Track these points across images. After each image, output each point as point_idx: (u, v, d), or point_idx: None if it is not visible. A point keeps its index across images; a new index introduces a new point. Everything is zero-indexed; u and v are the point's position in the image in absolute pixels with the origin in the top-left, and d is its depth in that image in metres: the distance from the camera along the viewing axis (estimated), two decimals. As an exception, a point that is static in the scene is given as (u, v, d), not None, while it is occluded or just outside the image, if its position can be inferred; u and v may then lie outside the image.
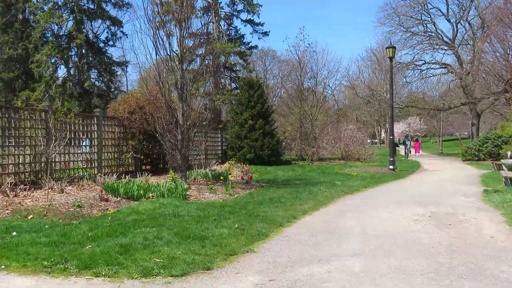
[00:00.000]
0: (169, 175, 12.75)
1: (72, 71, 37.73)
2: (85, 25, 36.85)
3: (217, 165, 22.34)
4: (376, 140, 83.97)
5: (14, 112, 13.46)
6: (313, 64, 34.33)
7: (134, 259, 5.55)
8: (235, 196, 11.95)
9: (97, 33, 38.86)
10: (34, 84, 36.12)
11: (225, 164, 22.36)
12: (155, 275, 5.09)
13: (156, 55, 13.13)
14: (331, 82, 65.36)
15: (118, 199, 10.78)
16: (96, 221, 7.96)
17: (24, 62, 37.28)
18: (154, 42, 13.00)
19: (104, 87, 38.47)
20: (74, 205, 9.41)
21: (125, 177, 14.39)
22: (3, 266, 5.34)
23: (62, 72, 45.07)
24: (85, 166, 15.83)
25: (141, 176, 14.96)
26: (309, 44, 40.90)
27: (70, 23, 36.22)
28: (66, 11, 36.56)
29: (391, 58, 23.25)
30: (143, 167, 19.45)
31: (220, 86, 36.34)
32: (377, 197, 12.60)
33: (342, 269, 5.53)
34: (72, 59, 37.29)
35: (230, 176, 13.33)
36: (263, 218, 8.58)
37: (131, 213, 8.85)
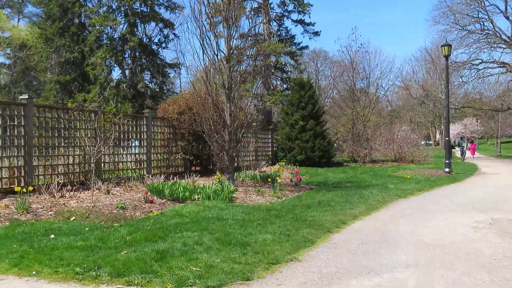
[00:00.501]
0: (215, 177, 12.53)
1: (125, 73, 38.35)
2: (138, 28, 37.33)
3: (267, 166, 22.06)
4: (430, 142, 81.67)
5: (64, 113, 13.60)
6: (365, 64, 33.68)
7: (170, 267, 5.25)
8: (283, 199, 11.58)
9: (150, 35, 39.27)
10: (90, 86, 36.87)
11: (275, 166, 22.08)
12: (190, 286, 4.76)
13: (203, 54, 12.96)
14: (384, 83, 63.97)
15: (163, 201, 10.62)
16: (137, 224, 7.77)
17: (80, 64, 38.15)
18: (201, 42, 12.83)
19: (157, 89, 38.86)
20: (118, 207, 9.29)
21: (173, 178, 14.28)
22: (34, 272, 5.16)
23: (116, 74, 46.10)
24: (134, 167, 15.85)
25: (190, 177, 14.82)
26: (361, 44, 39.82)
27: (124, 26, 36.74)
28: (120, 15, 37.13)
29: (446, 57, 22.29)
30: (193, 168, 19.39)
31: (270, 87, 36.01)
32: (432, 201, 11.92)
33: (394, 283, 5.06)
34: (126, 61, 37.86)
35: (277, 178, 12.97)
36: (310, 223, 8.16)
37: (174, 216, 8.64)
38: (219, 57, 13.10)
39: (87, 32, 39.48)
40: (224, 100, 13.37)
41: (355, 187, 14.43)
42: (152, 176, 14.13)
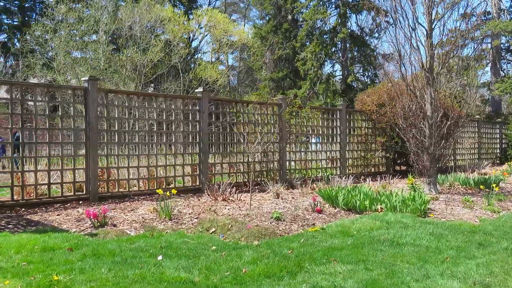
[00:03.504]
0: (408, 181, 9.95)
1: (335, 67, 37.00)
2: (349, 18, 35.62)
3: (491, 167, 18.24)
4: None
5: (244, 107, 12.53)
6: None
7: None
8: (500, 214, 8.44)
9: (361, 25, 37.17)
10: (301, 82, 36.48)
11: (503, 166, 18.31)
12: None
13: (396, 29, 10.48)
14: None
15: (336, 210, 8.50)
16: (279, 245, 5.86)
17: (291, 61, 38.12)
18: (392, 13, 10.39)
19: (368, 82, 36.59)
20: (272, 217, 7.48)
21: (364, 180, 12.15)
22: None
23: (326, 68, 44.93)
24: (325, 166, 14.10)
25: (386, 178, 12.38)
26: None
27: (333, 18, 35.39)
28: (330, 6, 35.93)
29: None
30: (397, 168, 16.90)
31: (500, 73, 30.87)
32: None
33: None
34: (336, 54, 36.49)
35: (493, 184, 9.70)
36: (533, 260, 5.26)
37: (335, 234, 6.51)
38: (417, 32, 10.49)
39: (298, 27, 39.21)
40: (424, 86, 10.68)
41: None
42: (343, 177, 12.11)
